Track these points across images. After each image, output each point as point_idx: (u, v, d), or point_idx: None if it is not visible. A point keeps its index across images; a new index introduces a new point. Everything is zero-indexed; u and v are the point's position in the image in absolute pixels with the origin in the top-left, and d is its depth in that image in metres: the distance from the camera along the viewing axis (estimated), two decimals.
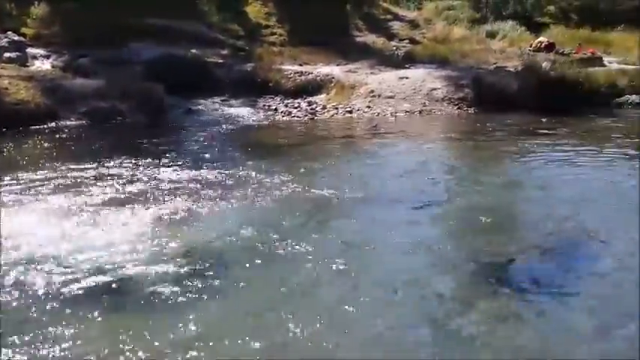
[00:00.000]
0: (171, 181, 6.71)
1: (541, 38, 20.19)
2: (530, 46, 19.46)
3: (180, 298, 3.86)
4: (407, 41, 20.86)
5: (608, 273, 4.17)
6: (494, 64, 16.95)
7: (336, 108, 13.01)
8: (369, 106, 13.12)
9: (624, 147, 8.81)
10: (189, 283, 4.07)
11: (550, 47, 18.84)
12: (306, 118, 12.12)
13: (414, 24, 24.08)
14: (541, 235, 4.96)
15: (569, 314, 3.57)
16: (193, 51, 14.77)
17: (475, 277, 4.13)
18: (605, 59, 18.08)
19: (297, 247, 4.63)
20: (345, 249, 4.67)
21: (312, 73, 14.55)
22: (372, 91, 13.86)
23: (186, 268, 4.30)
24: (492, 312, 3.62)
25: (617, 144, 9.04)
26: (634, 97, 13.89)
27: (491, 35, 22.53)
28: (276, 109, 12.59)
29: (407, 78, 14.46)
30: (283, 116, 12.16)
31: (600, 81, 14.03)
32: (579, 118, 11.88)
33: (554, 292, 3.88)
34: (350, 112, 12.84)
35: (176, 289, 3.98)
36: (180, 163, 7.60)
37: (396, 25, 23.02)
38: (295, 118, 12.03)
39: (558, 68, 14.54)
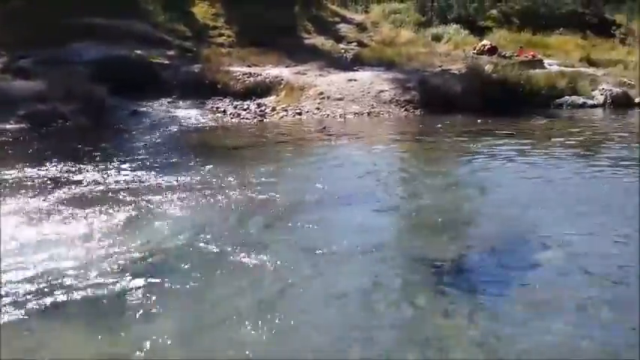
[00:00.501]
0: (115, 186, 6.54)
1: (484, 42, 20.74)
2: (474, 50, 19.95)
3: (128, 311, 3.76)
4: (355, 44, 21.04)
5: (550, 269, 4.29)
6: (440, 66, 17.29)
7: (286, 110, 12.99)
8: (318, 108, 13.17)
9: (565, 146, 9.12)
10: (135, 294, 3.97)
11: (493, 50, 19.37)
12: (255, 120, 12.05)
13: (361, 27, 24.30)
14: (486, 233, 5.07)
15: (510, 309, 3.66)
16: (138, 51, 14.45)
17: (423, 275, 4.19)
18: (546, 62, 18.71)
19: (246, 253, 4.57)
20: (295, 253, 4.65)
21: (261, 75, 14.49)
22: (322, 93, 13.91)
23: (131, 279, 4.18)
24: (438, 309, 3.68)
25: (558, 144, 9.35)
26: (573, 98, 14.47)
27: (437, 38, 22.99)
28: (224, 111, 12.46)
29: (355, 80, 14.59)
30: (232, 118, 12.05)
31: (541, 83, 14.53)
32: (521, 119, 12.26)
33: (498, 288, 3.97)
34: (299, 113, 12.85)
35: (121, 300, 3.87)
36: (124, 167, 7.42)
37: (344, 28, 23.18)
38: (244, 120, 11.94)
39: (501, 71, 14.96)
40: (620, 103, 14.17)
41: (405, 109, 13.42)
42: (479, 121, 12.02)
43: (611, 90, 14.53)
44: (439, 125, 11.62)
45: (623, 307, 3.55)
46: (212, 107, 12.65)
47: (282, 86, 14.27)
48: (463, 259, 4.48)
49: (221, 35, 18.33)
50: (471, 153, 8.72)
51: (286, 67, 16.05)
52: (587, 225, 5.13)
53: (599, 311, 3.47)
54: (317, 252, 4.70)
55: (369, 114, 13.01)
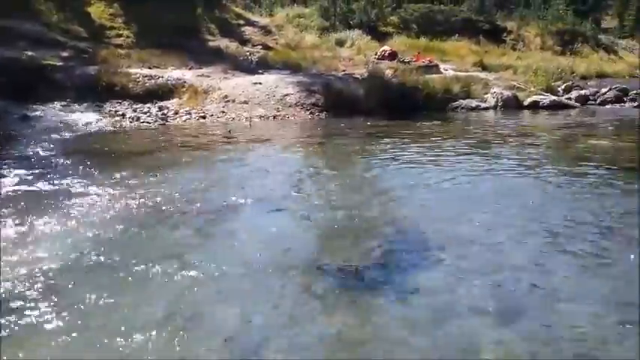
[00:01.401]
0: (1, 196, 6.12)
1: (385, 47, 21.40)
2: (376, 55, 20.54)
3: (15, 328, 3.53)
4: (260, 47, 21.03)
5: (448, 269, 4.44)
6: (344, 70, 17.68)
7: (189, 113, 12.74)
8: (223, 111, 13.02)
9: (462, 147, 9.54)
10: (22, 312, 3.73)
11: (393, 55, 20.03)
12: (156, 123, 11.71)
13: (266, 30, 24.32)
14: (390, 234, 5.19)
15: (406, 311, 3.78)
16: (29, 53, 13.63)
17: (325, 279, 4.22)
18: (442, 67, 19.60)
19: (139, 264, 4.41)
20: (193, 262, 4.54)
21: (162, 77, 14.11)
22: (226, 96, 13.78)
23: (19, 295, 3.93)
24: (335, 311, 3.73)
25: (454, 145, 9.77)
26: (467, 102, 15.23)
27: (340, 43, 23.46)
28: (123, 115, 12.00)
29: (260, 83, 14.56)
30: (131, 122, 11.63)
31: (437, 87, 15.18)
32: (420, 122, 12.73)
33: (395, 290, 4.07)
34: (203, 117, 12.64)
35: (6, 318, 3.63)
36: (13, 174, 6.96)
37: (248, 30, 23.09)
38: (145, 124, 11.57)
39: (400, 75, 15.51)
40: (510, 106, 15.08)
41: (310, 113, 13.57)
42: (380, 124, 12.37)
43: (501, 93, 15.42)
44: (343, 128, 11.83)
45: (515, 309, 3.73)
46: (110, 110, 12.15)
47: (185, 89, 13.99)
48: (364, 261, 4.56)
49: (119, 36, 17.69)
50: (374, 155, 8.93)
51: (189, 69, 15.76)
52: (485, 222, 5.37)
53: (491, 315, 3.63)
54: (218, 257, 4.62)
55: (274, 117, 13.02)
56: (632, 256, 4.51)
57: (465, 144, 9.77)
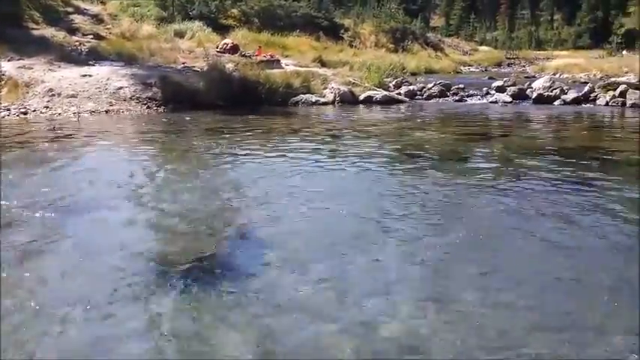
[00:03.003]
0: None
1: (226, 40, 21.21)
2: (217, 47, 20.27)
3: None
4: (91, 36, 19.77)
5: (285, 266, 4.47)
6: (183, 63, 17.19)
7: (8, 109, 11.60)
8: (47, 106, 12.03)
9: (304, 141, 9.70)
10: None
11: (234, 49, 19.91)
12: None
13: (98, 18, 22.93)
14: (233, 231, 5.10)
15: (245, 309, 3.75)
16: None
17: (166, 279, 4.06)
18: (283, 61, 19.88)
19: None
20: (21, 268, 4.11)
21: None
22: (51, 90, 12.74)
23: None
24: (175, 311, 3.61)
25: (296, 140, 9.91)
26: (307, 97, 15.61)
27: (180, 34, 22.82)
28: None
29: (91, 76, 13.69)
30: None
31: (278, 81, 15.37)
32: (261, 116, 12.80)
33: (238, 287, 4.03)
34: (25, 113, 11.58)
35: None
36: None
37: (78, 19, 21.59)
38: None
39: (241, 69, 15.45)
40: (346, 100, 15.73)
41: (147, 107, 13.02)
42: (222, 118, 12.22)
43: (339, 89, 16.03)
44: (183, 123, 11.51)
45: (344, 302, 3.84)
46: None
47: (3, 82, 12.71)
48: (206, 259, 4.45)
49: None
50: (215, 151, 8.75)
51: (8, 60, 14.33)
52: (320, 217, 5.49)
53: (313, 310, 3.71)
54: (46, 267, 4.24)
55: (107, 112, 12.31)
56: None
57: (306, 139, 9.96)
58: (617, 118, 13.94)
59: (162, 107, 13.07)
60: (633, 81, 17.89)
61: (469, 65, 42.51)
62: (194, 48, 20.18)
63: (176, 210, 5.63)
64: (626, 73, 23.92)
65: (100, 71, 14.16)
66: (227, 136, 10.04)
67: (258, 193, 6.21)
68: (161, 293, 3.83)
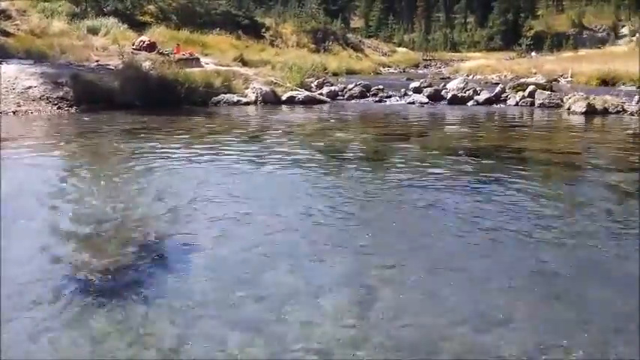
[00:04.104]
0: None
1: (143, 37, 20.58)
2: (133, 45, 19.62)
3: None
4: None
5: (206, 269, 4.39)
6: (97, 61, 16.53)
7: None
8: None
9: (224, 142, 9.53)
10: None
11: (151, 47, 19.34)
12: None
13: (5, 14, 21.64)
14: (151, 236, 4.95)
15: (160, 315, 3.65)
16: None
17: (79, 286, 3.88)
18: (203, 60, 19.52)
19: None
20: None
21: None
22: None
23: None
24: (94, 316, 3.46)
25: (219, 139, 9.75)
26: (228, 96, 15.42)
27: (94, 31, 21.92)
28: None
29: None
30: None
31: (198, 81, 15.07)
32: (181, 116, 12.51)
33: (152, 293, 3.92)
34: None
35: None
36: None
37: None
38: None
39: (159, 68, 15.03)
40: (269, 100, 15.68)
41: (58, 107, 12.42)
42: (139, 119, 11.84)
43: (261, 88, 15.95)
44: (96, 124, 11.05)
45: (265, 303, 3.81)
46: None
47: None
48: (112, 266, 4.29)
49: None
50: (132, 153, 8.45)
51: None
52: (243, 219, 5.42)
53: (244, 310, 3.68)
54: None
55: (15, 113, 11.64)
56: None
57: (227, 140, 9.82)
58: (526, 117, 14.70)
59: (75, 107, 12.50)
60: (541, 82, 18.98)
61: (388, 66, 43.55)
62: (108, 45, 19.44)
63: (87, 216, 5.39)
64: (535, 74, 25.34)
65: (8, 70, 13.35)
66: (146, 137, 9.73)
67: (175, 197, 6.06)
68: (67, 300, 3.67)
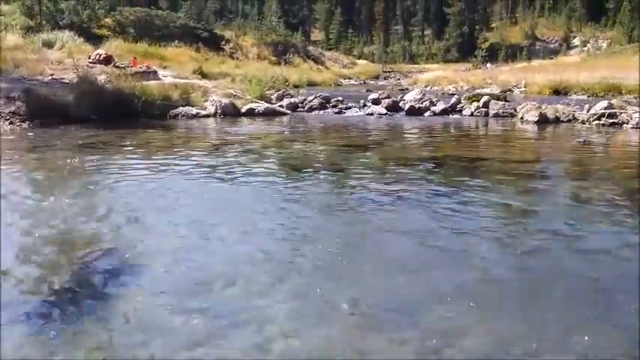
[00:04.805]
0: None
1: (99, 50, 20.31)
2: (89, 58, 19.34)
3: None
4: None
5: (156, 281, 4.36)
6: (51, 75, 16.22)
7: None
8: None
9: (185, 156, 9.44)
10: None
11: (108, 60, 19.09)
12: None
13: None
14: (105, 253, 4.88)
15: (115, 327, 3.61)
16: None
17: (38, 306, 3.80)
18: (161, 73, 19.37)
19: None
20: None
21: None
22: None
23: None
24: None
25: (176, 155, 9.65)
26: (187, 109, 15.32)
27: (49, 45, 21.53)
28: None
29: None
30: None
31: (155, 94, 14.94)
32: (138, 130, 12.35)
33: (104, 308, 3.86)
34: None
35: None
36: None
37: None
38: None
39: (115, 81, 14.84)
40: (228, 113, 15.63)
41: (10, 122, 12.13)
42: (95, 133, 11.65)
43: (220, 101, 15.89)
44: (50, 139, 10.82)
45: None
46: None
47: None
48: (64, 284, 4.22)
49: None
50: (87, 168, 8.31)
51: None
52: (197, 232, 5.39)
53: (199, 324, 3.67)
54: None
55: None
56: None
57: (185, 153, 9.76)
58: (481, 127, 15.04)
59: (28, 122, 12.23)
60: (496, 92, 19.48)
61: (349, 78, 44.00)
62: (64, 59, 19.09)
63: (39, 232, 5.29)
64: (490, 84, 26.00)
65: None
66: (102, 152, 9.57)
67: (131, 212, 5.99)
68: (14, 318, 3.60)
